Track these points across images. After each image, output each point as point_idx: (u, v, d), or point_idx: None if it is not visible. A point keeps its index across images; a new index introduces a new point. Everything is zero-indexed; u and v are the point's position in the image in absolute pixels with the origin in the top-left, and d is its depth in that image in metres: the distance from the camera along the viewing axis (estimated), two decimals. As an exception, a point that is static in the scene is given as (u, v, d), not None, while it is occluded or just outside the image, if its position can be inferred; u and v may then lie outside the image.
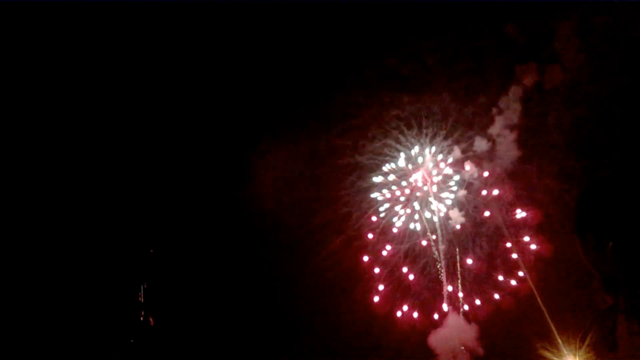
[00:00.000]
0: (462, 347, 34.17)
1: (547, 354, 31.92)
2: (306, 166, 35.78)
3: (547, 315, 32.11)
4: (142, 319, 34.32)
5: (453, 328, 34.36)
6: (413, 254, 35.36)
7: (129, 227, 34.88)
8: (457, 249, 34.88)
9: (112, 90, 34.94)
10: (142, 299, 34.43)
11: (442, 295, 35.02)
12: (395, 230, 35.34)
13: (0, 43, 33.12)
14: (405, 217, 35.28)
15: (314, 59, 34.95)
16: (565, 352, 31.67)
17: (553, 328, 31.90)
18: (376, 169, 35.41)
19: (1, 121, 33.60)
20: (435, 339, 34.44)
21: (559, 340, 31.82)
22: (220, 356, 35.08)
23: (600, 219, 31.75)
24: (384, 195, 35.42)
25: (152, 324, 34.37)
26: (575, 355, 31.54)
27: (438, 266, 34.98)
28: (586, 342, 31.28)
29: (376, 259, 35.56)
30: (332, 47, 34.61)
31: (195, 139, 35.95)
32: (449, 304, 34.88)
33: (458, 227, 34.73)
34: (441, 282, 34.99)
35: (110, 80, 34.85)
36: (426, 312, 35.06)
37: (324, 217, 35.39)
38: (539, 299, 32.49)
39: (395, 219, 35.35)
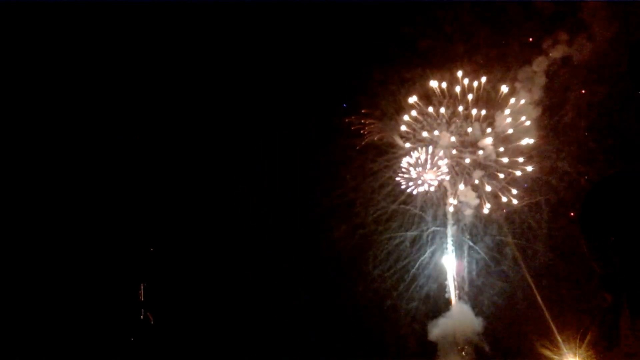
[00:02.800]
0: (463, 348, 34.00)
1: (547, 352, 31.77)
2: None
3: (546, 314, 31.95)
4: (142, 317, 34.32)
5: (456, 319, 34.05)
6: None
7: (129, 226, 34.88)
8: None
9: (112, 90, 35.00)
10: (142, 298, 34.44)
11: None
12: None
13: (1, 43, 33.15)
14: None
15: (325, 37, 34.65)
16: (565, 350, 31.51)
17: (553, 326, 31.74)
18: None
19: (1, 121, 33.64)
20: (438, 330, 34.17)
21: (559, 339, 31.66)
22: (220, 355, 35.08)
23: (603, 215, 31.46)
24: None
25: (151, 322, 34.38)
26: (575, 353, 31.37)
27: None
28: (586, 341, 31.11)
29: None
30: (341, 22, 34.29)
31: (193, 138, 36.05)
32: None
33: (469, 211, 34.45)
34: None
35: (110, 80, 34.92)
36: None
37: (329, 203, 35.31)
38: (538, 297, 32.32)
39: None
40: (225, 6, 34.41)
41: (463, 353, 34.02)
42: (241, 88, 35.93)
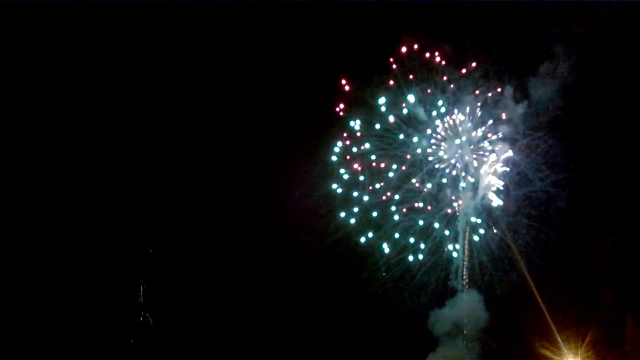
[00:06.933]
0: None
1: (547, 353, 31.76)
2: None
3: (546, 314, 31.91)
4: (141, 319, 34.24)
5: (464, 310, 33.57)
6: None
7: (129, 227, 34.82)
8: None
9: (112, 89, 34.97)
10: (141, 299, 34.35)
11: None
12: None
13: (1, 43, 33.11)
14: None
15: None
16: (565, 350, 31.55)
17: (553, 326, 31.74)
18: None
19: (1, 121, 33.60)
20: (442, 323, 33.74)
21: (559, 339, 31.68)
22: (220, 356, 35.05)
23: (607, 216, 31.63)
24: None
25: (151, 323, 34.29)
26: (576, 353, 31.42)
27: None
28: (586, 341, 31.16)
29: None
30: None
31: (193, 138, 36.05)
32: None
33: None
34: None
35: (110, 80, 34.89)
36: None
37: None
38: (538, 297, 32.25)
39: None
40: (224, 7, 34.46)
41: (468, 347, 33.57)
42: (240, 90, 36.04)
